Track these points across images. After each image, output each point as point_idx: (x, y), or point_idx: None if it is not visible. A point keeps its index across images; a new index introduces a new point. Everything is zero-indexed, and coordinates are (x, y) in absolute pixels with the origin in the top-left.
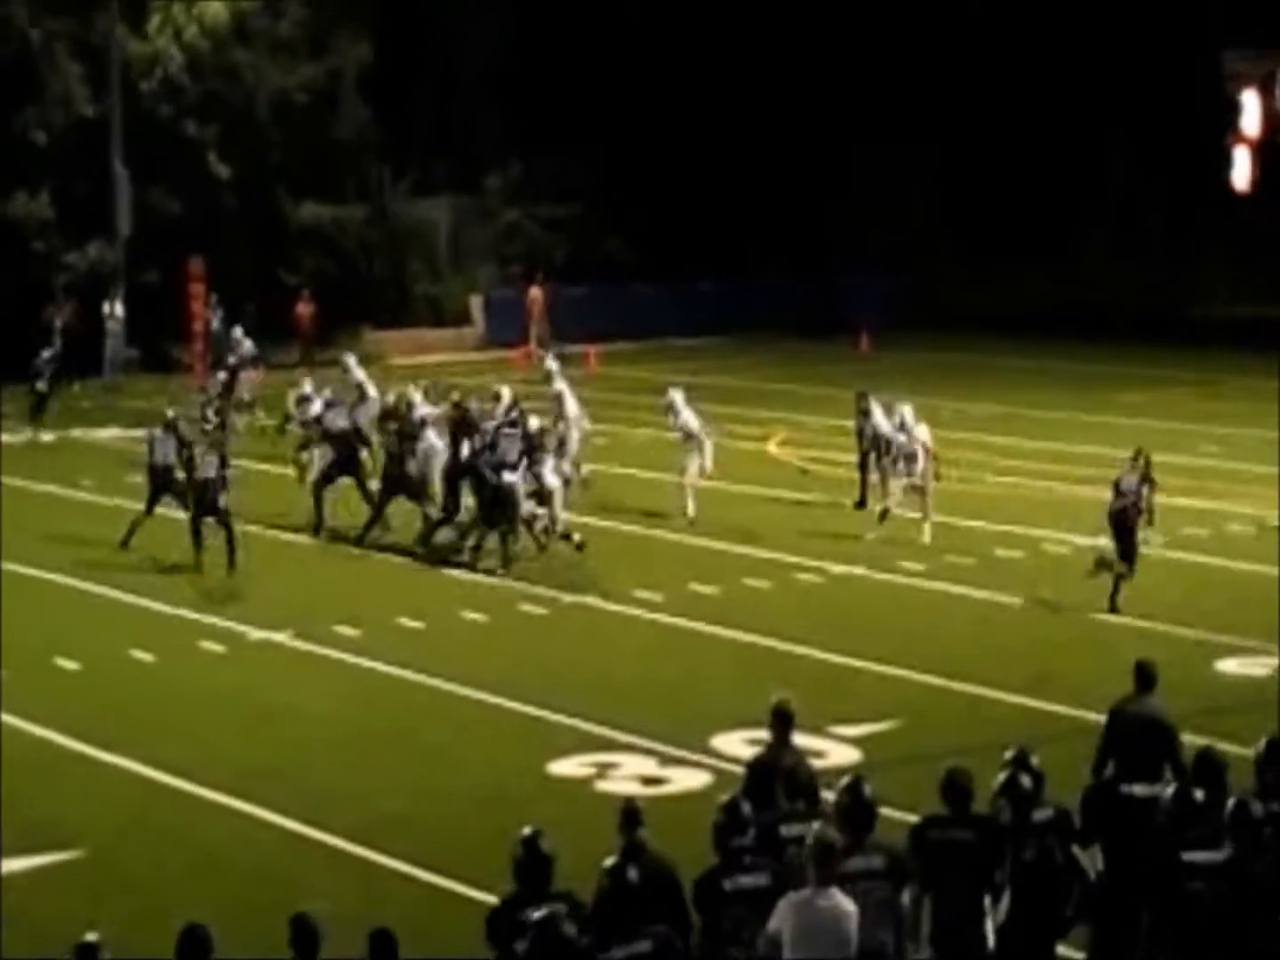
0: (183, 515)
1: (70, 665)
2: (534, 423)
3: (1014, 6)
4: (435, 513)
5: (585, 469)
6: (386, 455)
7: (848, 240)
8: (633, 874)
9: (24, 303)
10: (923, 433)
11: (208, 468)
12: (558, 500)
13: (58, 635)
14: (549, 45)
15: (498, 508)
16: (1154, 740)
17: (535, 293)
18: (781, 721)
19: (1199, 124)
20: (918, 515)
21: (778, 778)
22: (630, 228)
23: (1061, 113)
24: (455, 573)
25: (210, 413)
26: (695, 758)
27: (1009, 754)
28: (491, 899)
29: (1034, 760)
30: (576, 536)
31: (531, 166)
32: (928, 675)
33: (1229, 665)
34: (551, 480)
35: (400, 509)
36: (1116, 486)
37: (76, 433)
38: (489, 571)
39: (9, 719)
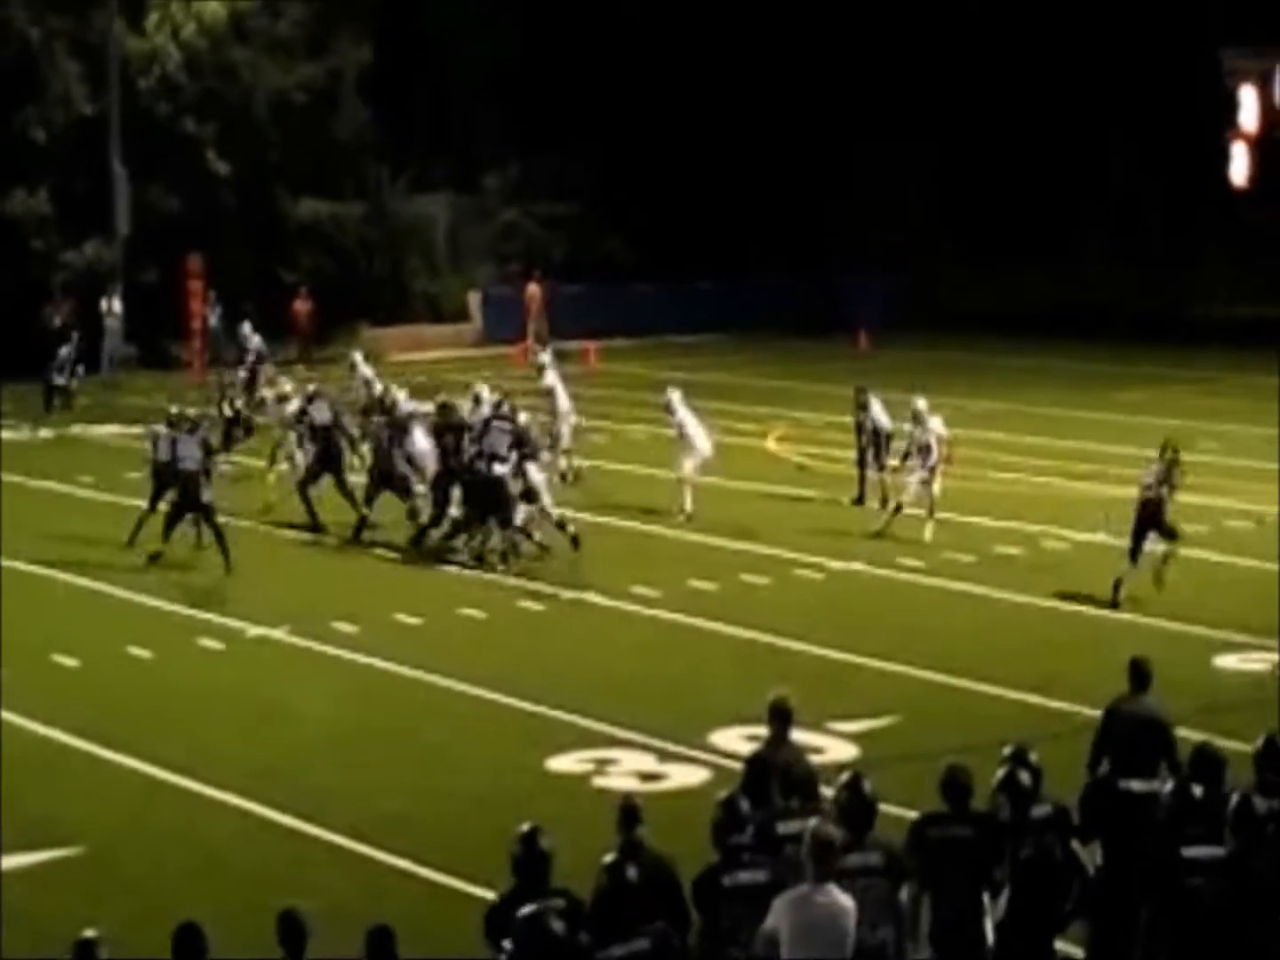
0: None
1: (69, 662)
2: (523, 417)
3: (1013, 6)
4: (423, 505)
5: (576, 462)
6: (374, 451)
7: (847, 239)
8: (631, 871)
9: (23, 301)
10: (936, 424)
11: (189, 460)
12: (545, 494)
13: (56, 632)
14: (548, 44)
15: (490, 499)
16: (1150, 739)
17: (533, 290)
18: (780, 718)
19: (1199, 123)
20: (921, 512)
21: (773, 774)
22: (629, 226)
23: (1061, 112)
24: (453, 569)
25: (229, 409)
26: (694, 754)
27: (1008, 750)
28: (490, 896)
29: (1033, 757)
30: (571, 529)
31: (530, 165)
32: (926, 671)
33: (1228, 661)
34: (536, 476)
35: (390, 504)
36: (1144, 482)
37: (75, 430)
38: (489, 567)
39: (8, 716)
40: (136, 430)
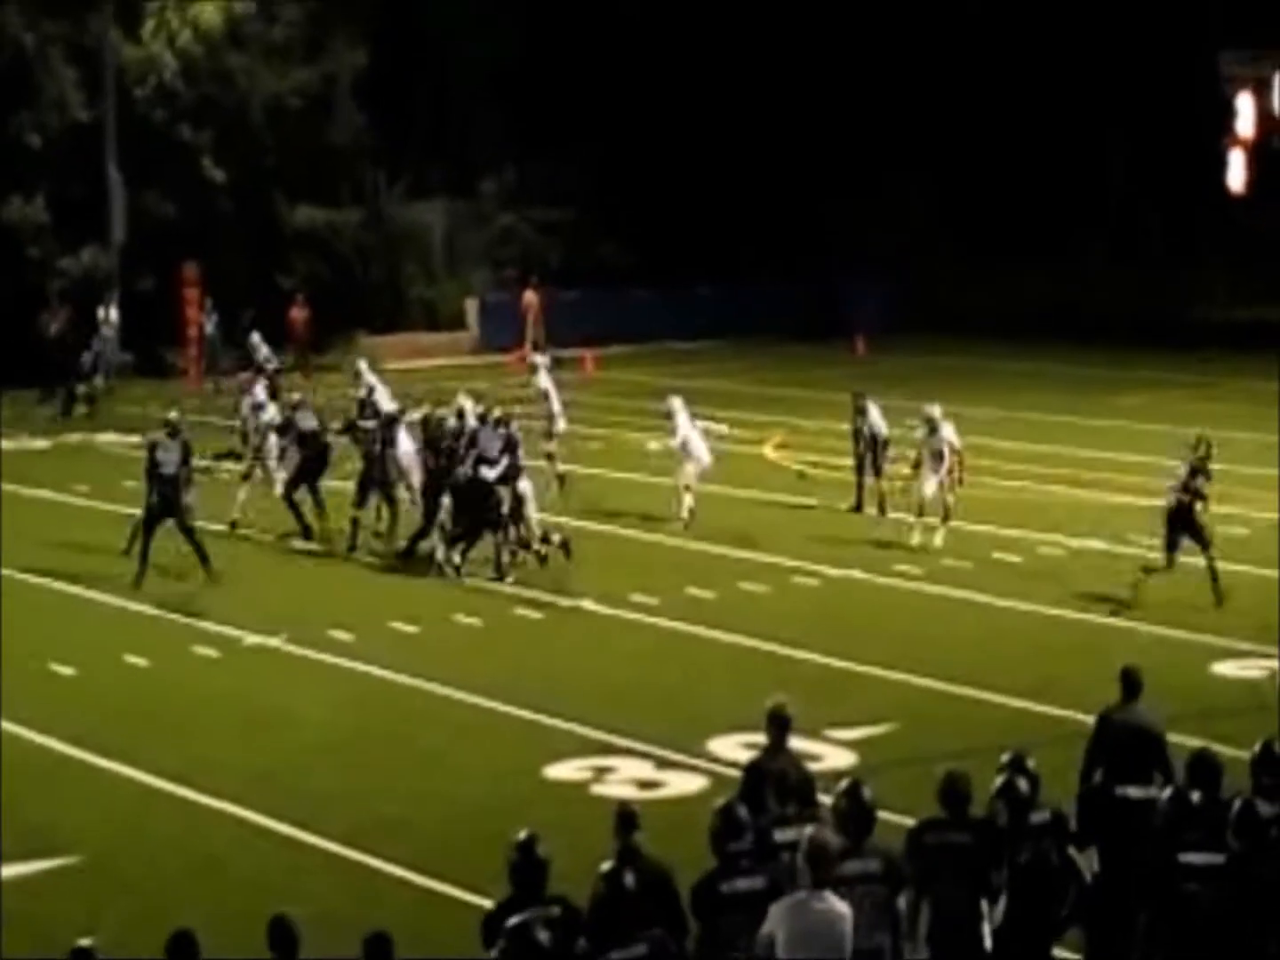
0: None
1: (66, 671)
2: (514, 425)
3: (1011, 12)
4: (411, 509)
5: (561, 467)
6: (364, 455)
7: (845, 243)
8: (629, 878)
9: (19, 308)
10: (949, 433)
11: (168, 466)
12: (530, 505)
13: (53, 641)
14: (544, 49)
15: (482, 505)
16: (1141, 747)
17: (530, 297)
18: (778, 725)
19: (1198, 127)
20: (935, 520)
21: (769, 781)
22: (625, 231)
23: (1059, 117)
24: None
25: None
26: (692, 762)
27: (1006, 757)
28: (487, 903)
29: (1031, 763)
30: (557, 537)
31: (526, 170)
32: (925, 679)
33: (1225, 668)
34: (524, 485)
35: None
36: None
37: (71, 438)
38: (506, 571)
39: (5, 725)
40: (133, 439)
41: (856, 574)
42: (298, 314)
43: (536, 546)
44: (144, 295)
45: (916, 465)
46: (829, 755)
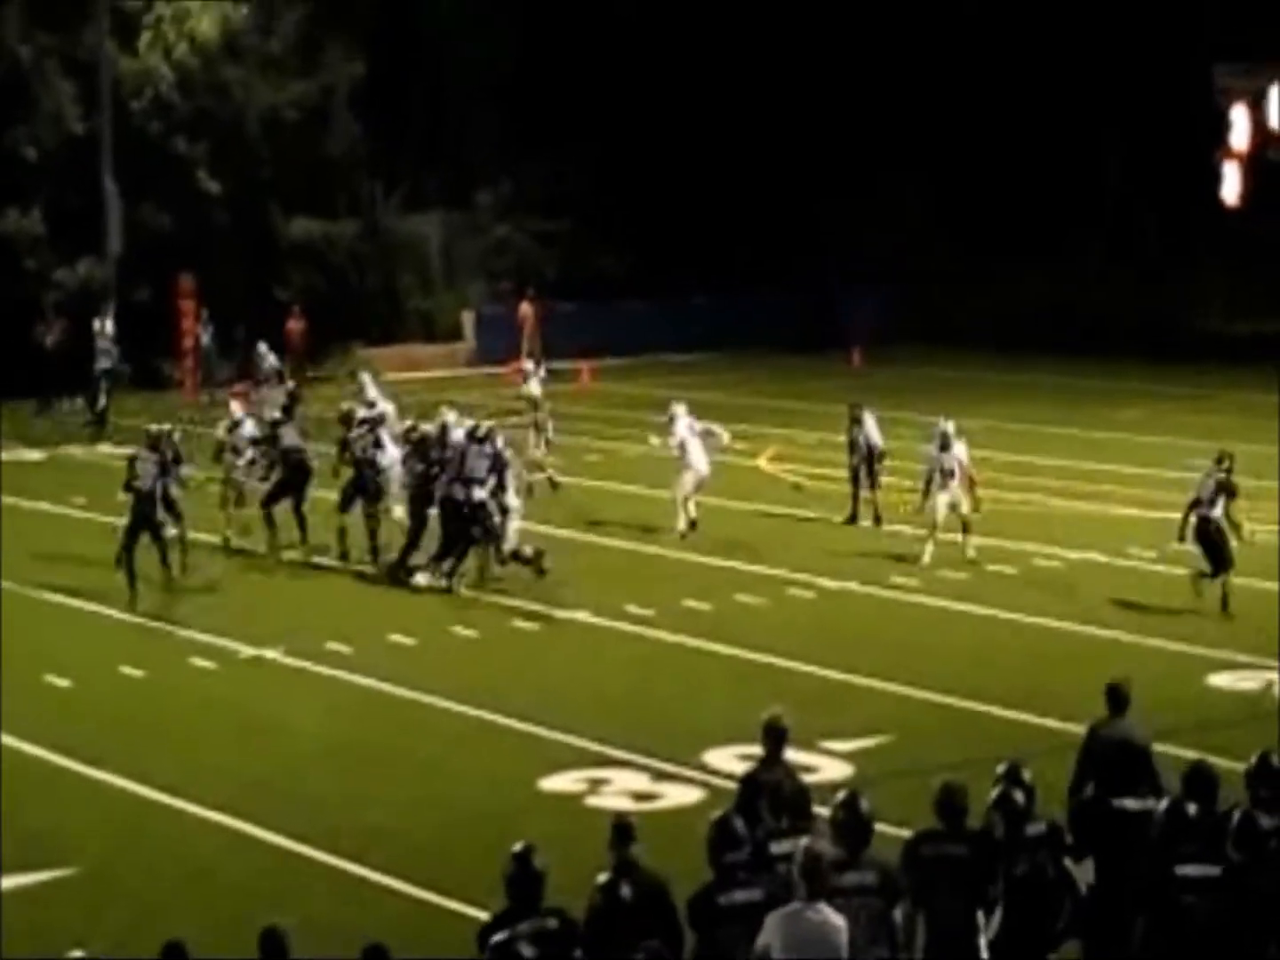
0: (173, 531)
1: (61, 682)
2: (500, 441)
3: (1007, 15)
4: (394, 523)
5: (553, 473)
6: (353, 462)
7: (841, 245)
8: (625, 890)
9: (15, 319)
10: (960, 450)
11: (146, 479)
12: (514, 520)
13: (49, 652)
14: (540, 60)
15: (473, 524)
16: (1129, 762)
17: (526, 309)
18: (773, 737)
19: (1194, 138)
20: (957, 536)
21: (763, 793)
22: (622, 243)
23: (1055, 128)
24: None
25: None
26: (688, 773)
27: (1001, 769)
28: (483, 914)
29: (1026, 775)
30: (528, 550)
31: (522, 181)
32: (921, 690)
33: (1222, 680)
34: (512, 500)
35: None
36: (1197, 499)
37: (67, 450)
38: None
39: (2, 736)
40: (129, 450)
41: (853, 586)
42: (294, 325)
43: (510, 564)
44: (140, 307)
45: (928, 483)
46: (825, 767)
